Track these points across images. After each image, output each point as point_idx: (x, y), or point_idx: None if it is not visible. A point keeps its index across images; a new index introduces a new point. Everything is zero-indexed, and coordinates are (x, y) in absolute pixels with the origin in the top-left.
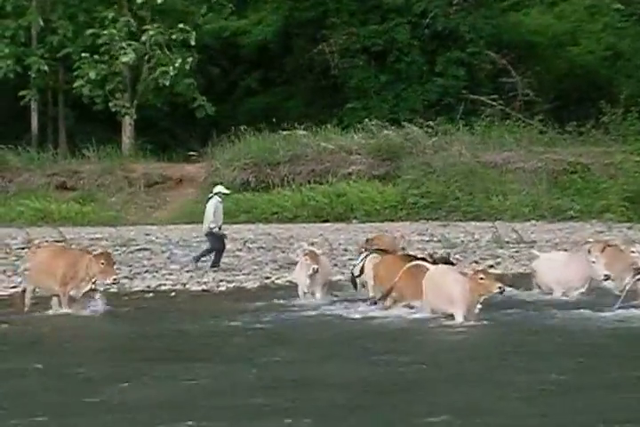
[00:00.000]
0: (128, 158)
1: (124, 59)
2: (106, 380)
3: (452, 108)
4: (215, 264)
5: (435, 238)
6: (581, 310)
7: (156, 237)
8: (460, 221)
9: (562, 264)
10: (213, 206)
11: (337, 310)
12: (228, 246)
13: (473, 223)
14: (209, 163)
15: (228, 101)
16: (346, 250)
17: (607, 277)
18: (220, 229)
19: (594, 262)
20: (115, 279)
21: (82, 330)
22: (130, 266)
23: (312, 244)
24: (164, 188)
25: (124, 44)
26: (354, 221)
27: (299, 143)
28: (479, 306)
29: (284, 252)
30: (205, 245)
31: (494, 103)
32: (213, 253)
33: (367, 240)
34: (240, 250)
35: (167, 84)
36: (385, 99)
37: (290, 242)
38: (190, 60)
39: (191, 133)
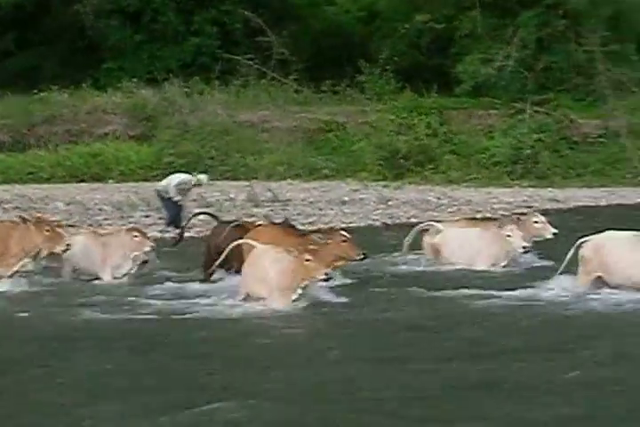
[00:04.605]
0: None
1: None
2: None
3: (208, 68)
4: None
5: (190, 198)
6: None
7: None
8: (216, 180)
9: (491, 237)
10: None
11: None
12: None
13: (228, 182)
14: None
15: None
16: (101, 210)
17: (527, 250)
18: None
19: (509, 236)
20: (68, 245)
21: None
22: None
23: (68, 204)
24: None
25: None
26: (110, 181)
27: (55, 104)
28: (299, 291)
29: (39, 212)
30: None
31: (250, 62)
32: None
33: None
34: None
35: None
36: (140, 59)
37: (45, 202)
38: None
39: None
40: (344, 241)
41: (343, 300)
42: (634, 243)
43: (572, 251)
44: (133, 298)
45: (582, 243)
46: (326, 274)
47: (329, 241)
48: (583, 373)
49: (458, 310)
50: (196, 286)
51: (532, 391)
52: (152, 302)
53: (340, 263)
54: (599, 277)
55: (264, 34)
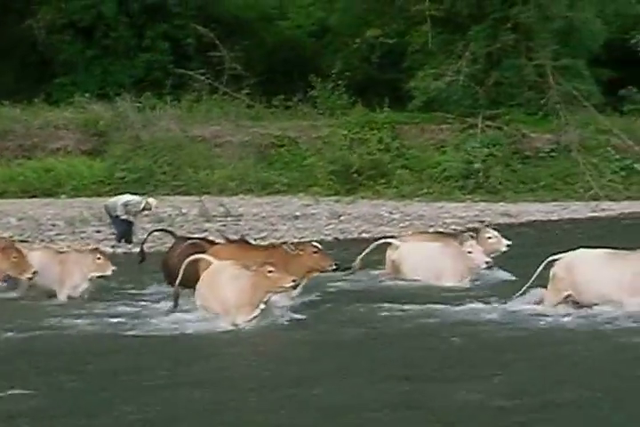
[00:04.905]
0: None
1: None
2: None
3: (160, 83)
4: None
5: (143, 213)
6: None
7: None
8: (168, 195)
9: (454, 253)
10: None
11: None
12: None
13: (180, 197)
14: None
15: None
16: (53, 225)
17: (490, 265)
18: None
19: (470, 253)
20: (35, 272)
21: None
22: None
23: (20, 219)
24: None
25: None
26: (62, 196)
27: (7, 119)
28: (262, 306)
29: None
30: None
31: (202, 77)
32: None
33: None
34: None
35: None
36: (92, 74)
37: None
38: None
39: None
40: (315, 252)
41: (291, 318)
42: (606, 261)
43: (539, 268)
44: (73, 315)
45: (553, 261)
46: (294, 281)
47: (300, 252)
48: (518, 398)
49: (402, 327)
50: (140, 303)
51: (454, 415)
52: (92, 320)
53: (312, 274)
54: (568, 295)
55: (216, 49)
